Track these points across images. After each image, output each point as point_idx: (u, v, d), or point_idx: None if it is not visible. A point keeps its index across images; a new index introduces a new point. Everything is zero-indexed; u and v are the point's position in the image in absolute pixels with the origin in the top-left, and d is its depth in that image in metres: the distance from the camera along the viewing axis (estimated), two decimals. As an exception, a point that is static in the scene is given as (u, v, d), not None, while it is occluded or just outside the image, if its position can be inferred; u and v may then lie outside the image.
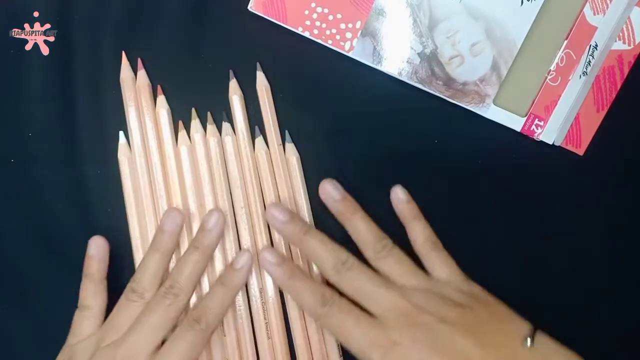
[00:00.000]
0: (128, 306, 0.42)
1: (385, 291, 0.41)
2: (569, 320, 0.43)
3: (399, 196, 0.45)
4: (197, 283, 0.43)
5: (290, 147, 0.46)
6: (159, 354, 0.40)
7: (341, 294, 0.42)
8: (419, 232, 0.44)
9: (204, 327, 0.41)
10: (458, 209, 0.47)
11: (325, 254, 0.42)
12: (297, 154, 0.46)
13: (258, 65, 0.46)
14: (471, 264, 0.44)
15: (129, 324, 0.41)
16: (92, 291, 0.43)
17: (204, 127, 0.46)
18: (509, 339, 0.40)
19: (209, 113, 0.46)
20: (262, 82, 0.46)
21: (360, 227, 0.43)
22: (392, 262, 0.43)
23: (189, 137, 0.46)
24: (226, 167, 0.46)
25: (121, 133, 0.46)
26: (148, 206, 0.45)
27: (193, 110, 0.46)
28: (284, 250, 0.45)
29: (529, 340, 0.39)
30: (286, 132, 0.46)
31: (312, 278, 0.44)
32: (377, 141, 0.47)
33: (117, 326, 0.42)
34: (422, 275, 0.43)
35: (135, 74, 0.46)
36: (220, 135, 0.46)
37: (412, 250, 0.44)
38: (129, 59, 0.46)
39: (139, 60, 0.46)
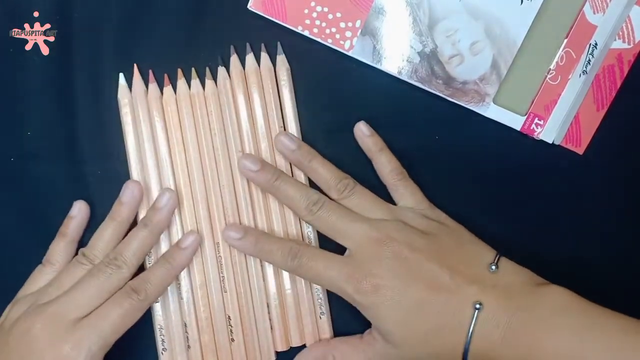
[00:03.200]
0: (75, 269, 0.43)
1: (356, 225, 0.43)
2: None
3: (363, 131, 0.46)
4: (142, 260, 0.44)
5: (281, 58, 0.46)
6: (90, 316, 0.41)
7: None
8: (385, 163, 0.46)
9: (142, 299, 0.42)
10: (457, 207, 0.47)
11: (297, 196, 0.44)
12: (288, 65, 0.46)
13: (263, 46, 0.46)
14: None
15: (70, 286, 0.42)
16: (61, 249, 0.45)
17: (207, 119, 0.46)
18: (474, 263, 0.42)
19: (207, 68, 0.46)
20: (265, 64, 0.46)
21: (321, 171, 0.45)
22: (357, 199, 0.45)
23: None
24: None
25: (121, 75, 0.46)
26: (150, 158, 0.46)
27: (193, 70, 0.46)
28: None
29: (493, 267, 0.42)
30: (278, 43, 0.46)
31: (277, 236, 0.46)
32: (377, 140, 0.47)
33: (59, 286, 0.42)
34: (387, 206, 0.45)
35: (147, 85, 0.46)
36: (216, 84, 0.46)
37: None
38: (129, 63, 0.46)
39: (151, 72, 0.46)
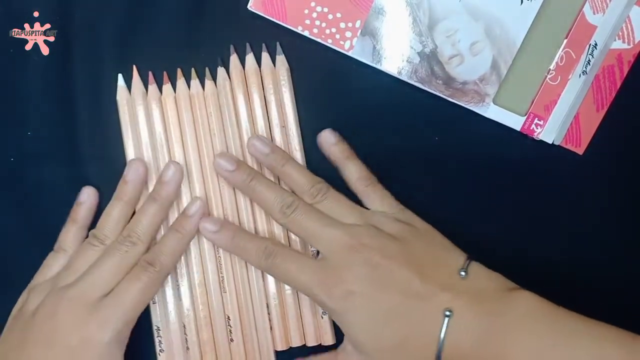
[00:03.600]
0: (88, 251, 0.43)
1: (329, 230, 0.43)
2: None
3: (328, 139, 0.46)
4: (155, 234, 0.45)
5: (280, 59, 0.46)
6: (111, 294, 0.42)
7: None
8: (352, 170, 0.45)
9: (158, 270, 0.42)
10: (457, 208, 0.47)
11: (271, 198, 0.44)
12: (287, 65, 0.46)
13: (264, 46, 0.46)
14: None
15: (86, 268, 0.42)
16: (72, 235, 0.45)
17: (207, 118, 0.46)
18: (446, 268, 0.42)
19: (207, 69, 0.46)
20: (267, 64, 0.46)
21: (294, 175, 0.45)
22: (330, 203, 0.44)
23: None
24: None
25: (120, 76, 0.46)
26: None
27: (193, 70, 0.46)
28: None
29: (463, 273, 0.41)
30: (277, 43, 0.46)
31: (253, 233, 0.46)
32: (377, 140, 0.47)
33: (75, 269, 0.43)
34: (359, 211, 0.44)
35: (146, 87, 0.46)
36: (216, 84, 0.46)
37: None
38: (129, 63, 0.46)
39: (150, 74, 0.46)
